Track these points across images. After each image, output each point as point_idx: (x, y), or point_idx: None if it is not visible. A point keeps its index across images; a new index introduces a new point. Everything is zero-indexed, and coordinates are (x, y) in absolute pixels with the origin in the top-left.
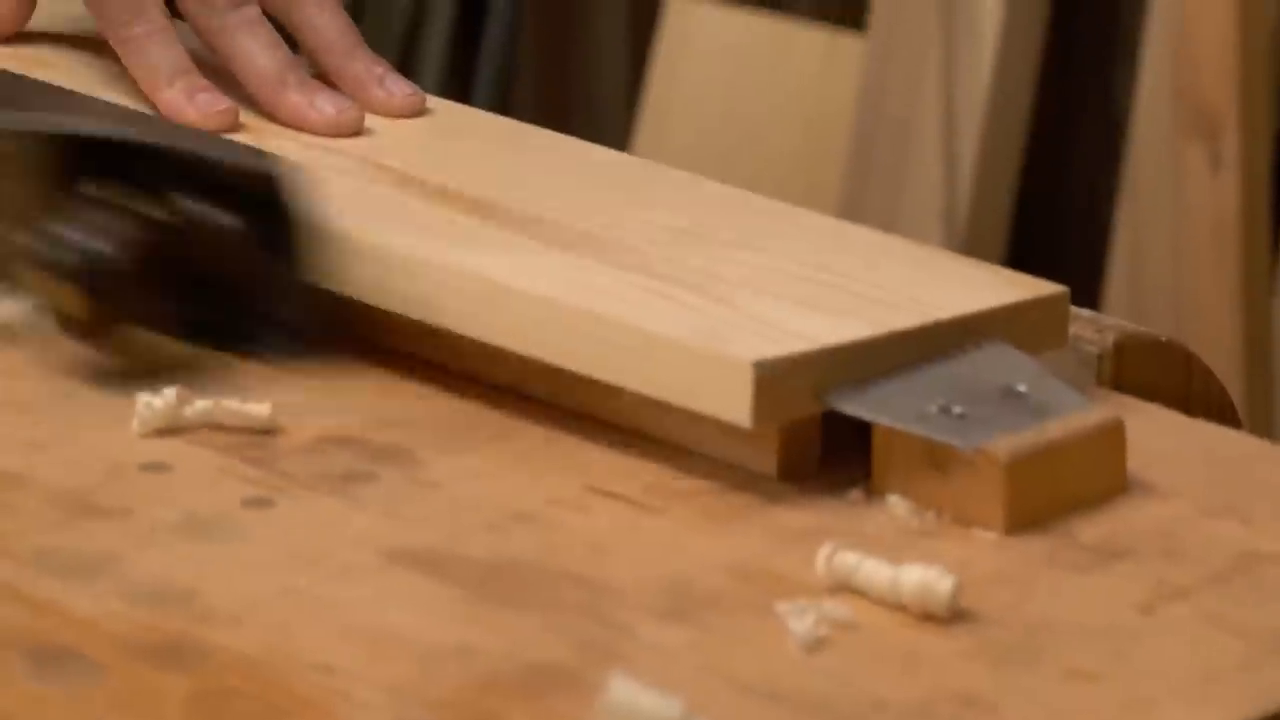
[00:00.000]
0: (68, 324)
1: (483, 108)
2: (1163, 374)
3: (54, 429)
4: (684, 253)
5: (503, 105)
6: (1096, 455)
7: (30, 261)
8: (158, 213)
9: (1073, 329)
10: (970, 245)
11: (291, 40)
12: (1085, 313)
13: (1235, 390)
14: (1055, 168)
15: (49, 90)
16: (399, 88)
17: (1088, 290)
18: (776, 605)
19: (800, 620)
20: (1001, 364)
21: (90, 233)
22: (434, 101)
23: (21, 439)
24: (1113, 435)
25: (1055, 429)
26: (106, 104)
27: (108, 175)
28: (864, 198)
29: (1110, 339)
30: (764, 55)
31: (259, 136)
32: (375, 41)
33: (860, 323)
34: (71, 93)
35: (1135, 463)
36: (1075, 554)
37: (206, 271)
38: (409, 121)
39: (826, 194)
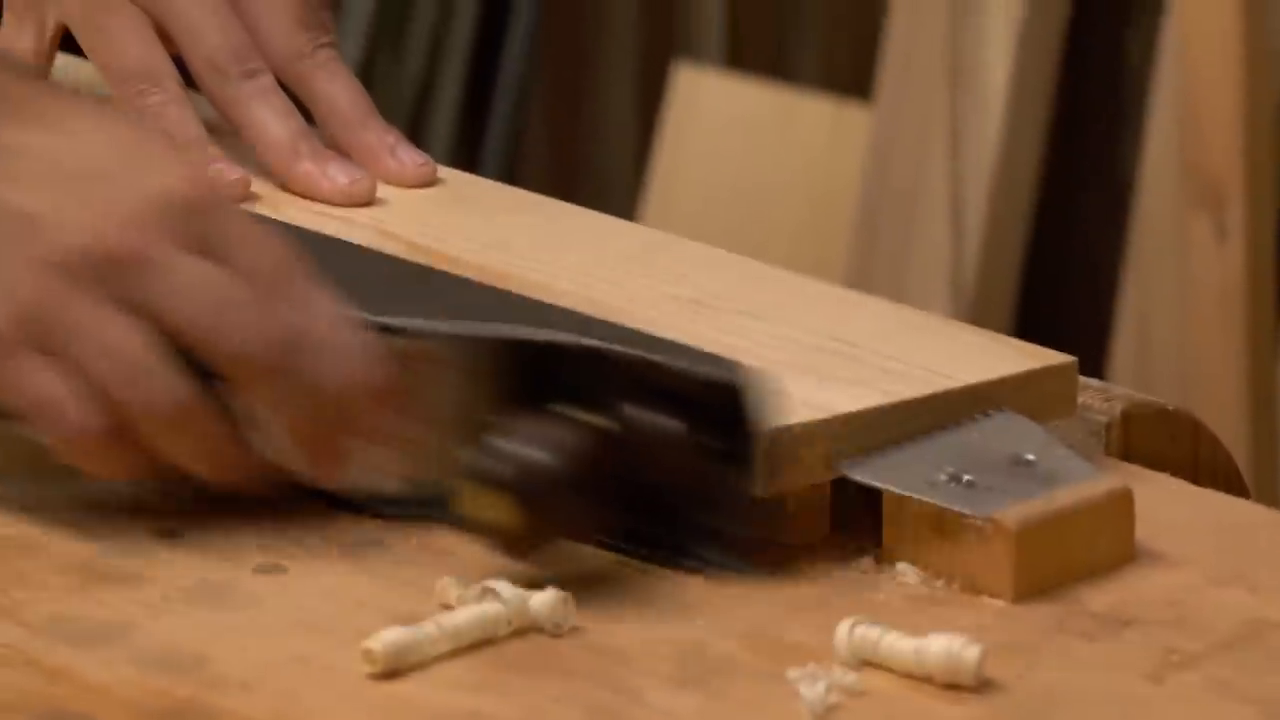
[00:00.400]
0: (496, 536)
1: (491, 176)
2: (1170, 443)
3: (66, 496)
4: (693, 322)
5: (511, 174)
6: (1105, 524)
7: (465, 473)
8: (601, 421)
9: (1081, 398)
10: (977, 314)
11: (305, 110)
12: (1094, 382)
13: (1241, 458)
14: (1062, 237)
15: (457, 283)
16: (411, 157)
17: (1094, 358)
18: (787, 672)
19: (811, 688)
20: (1011, 433)
21: (528, 441)
22: (444, 171)
23: (34, 505)
24: (1121, 504)
25: (1064, 498)
26: (535, 302)
27: (550, 382)
28: (871, 267)
29: (1118, 408)
30: (771, 126)
31: (273, 206)
32: (384, 110)
33: (870, 392)
34: (493, 289)
35: (1144, 531)
36: (1084, 622)
37: (647, 480)
38: (420, 191)
39: (834, 264)
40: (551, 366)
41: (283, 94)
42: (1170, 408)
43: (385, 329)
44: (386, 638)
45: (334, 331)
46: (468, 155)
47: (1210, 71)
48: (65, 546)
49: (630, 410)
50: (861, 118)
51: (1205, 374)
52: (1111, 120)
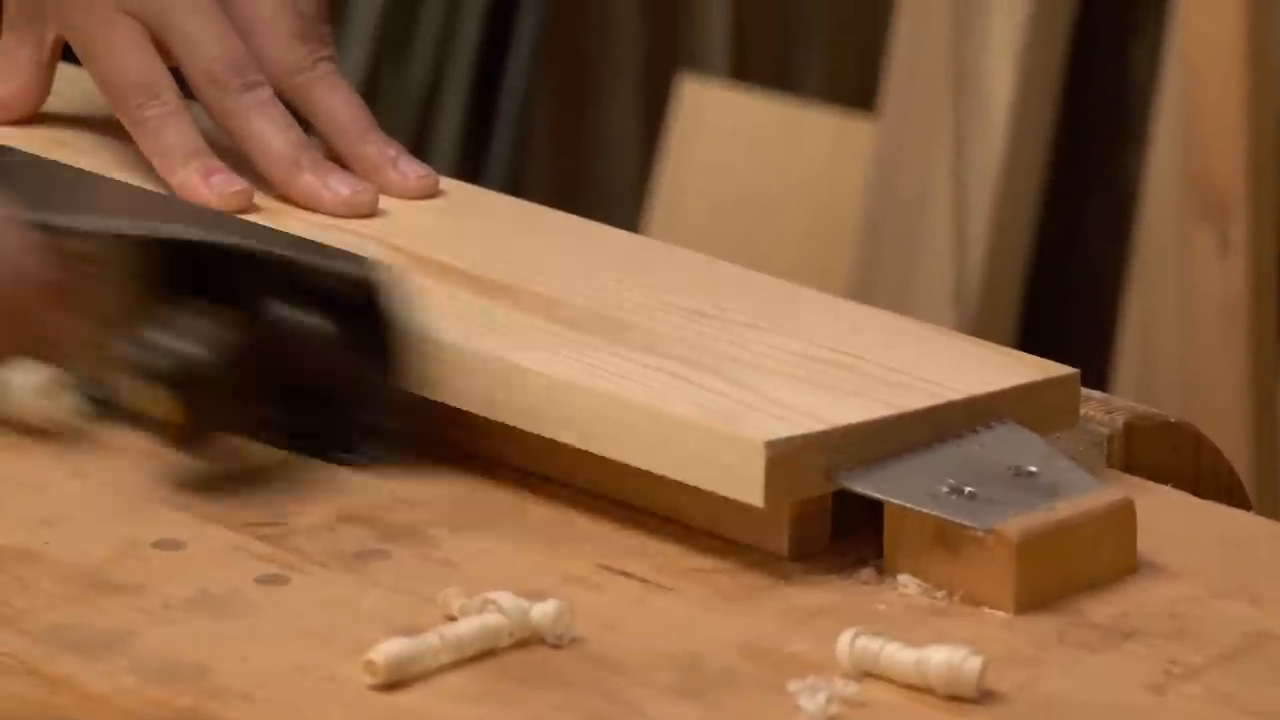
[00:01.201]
0: (161, 430)
1: (495, 187)
2: (1172, 455)
3: (67, 506)
4: (696, 334)
5: (515, 185)
6: (1107, 536)
7: (123, 368)
8: (251, 318)
9: (1083, 410)
10: (981, 326)
11: (305, 122)
12: (1096, 394)
13: (1244, 470)
14: (1065, 249)
15: (122, 188)
16: (412, 169)
17: (1097, 370)
18: (788, 684)
19: (812, 699)
20: (1012, 444)
21: (184, 338)
22: (447, 183)
23: (35, 516)
24: (1123, 516)
25: (1066, 509)
26: (193, 206)
27: (200, 280)
28: (875, 278)
29: (1120, 420)
30: (775, 137)
31: (274, 217)
32: (389, 120)
33: (872, 403)
34: (153, 193)
35: (1145, 543)
36: (1086, 634)
37: (301, 377)
38: (422, 203)
39: (837, 274)
40: (203, 265)
41: (282, 107)
42: (1172, 420)
43: (48, 228)
44: (388, 649)
45: (5, 233)
46: (472, 165)
47: (1214, 84)
48: (66, 555)
49: (276, 307)
50: (865, 129)
51: (1207, 386)
52: (1115, 132)
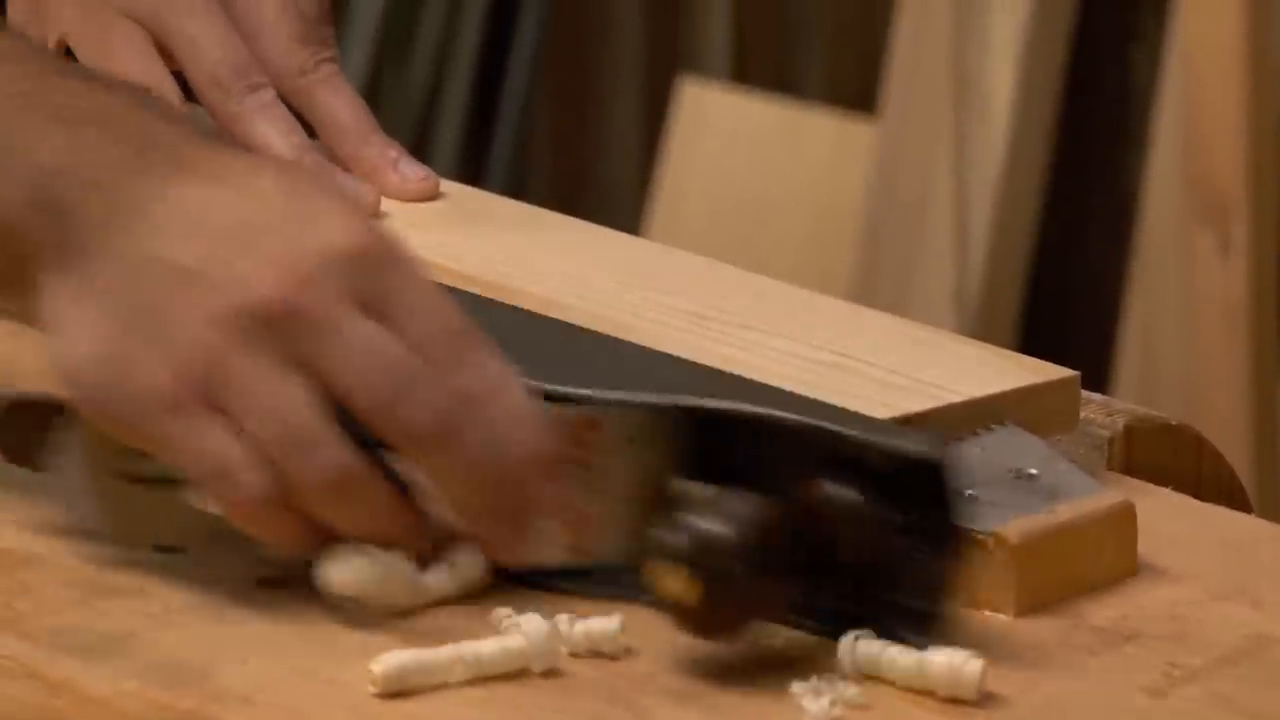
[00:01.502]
0: (679, 613)
1: (496, 189)
2: (1173, 457)
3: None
4: (697, 336)
5: (516, 187)
6: (1107, 538)
7: (648, 547)
8: (785, 495)
9: (1083, 412)
10: (982, 328)
11: (307, 124)
12: (1096, 396)
13: (1245, 473)
14: (1066, 252)
15: (624, 348)
16: (413, 171)
17: (1098, 373)
18: (791, 686)
19: (815, 702)
20: (1013, 447)
21: (706, 514)
22: (448, 185)
23: (36, 519)
24: (1123, 518)
25: (1066, 512)
26: (705, 370)
27: (736, 454)
28: (876, 281)
29: (1121, 423)
30: (776, 140)
31: None
32: (390, 122)
33: (872, 406)
34: (651, 351)
35: (1146, 546)
36: (1086, 636)
37: (840, 557)
38: (423, 205)
39: (838, 277)
40: (730, 436)
41: (284, 109)
42: (1173, 422)
43: (557, 398)
44: (390, 660)
45: (508, 402)
46: (473, 168)
47: (1215, 87)
48: (68, 559)
49: (814, 484)
50: (866, 132)
51: (1208, 388)
52: (1116, 134)
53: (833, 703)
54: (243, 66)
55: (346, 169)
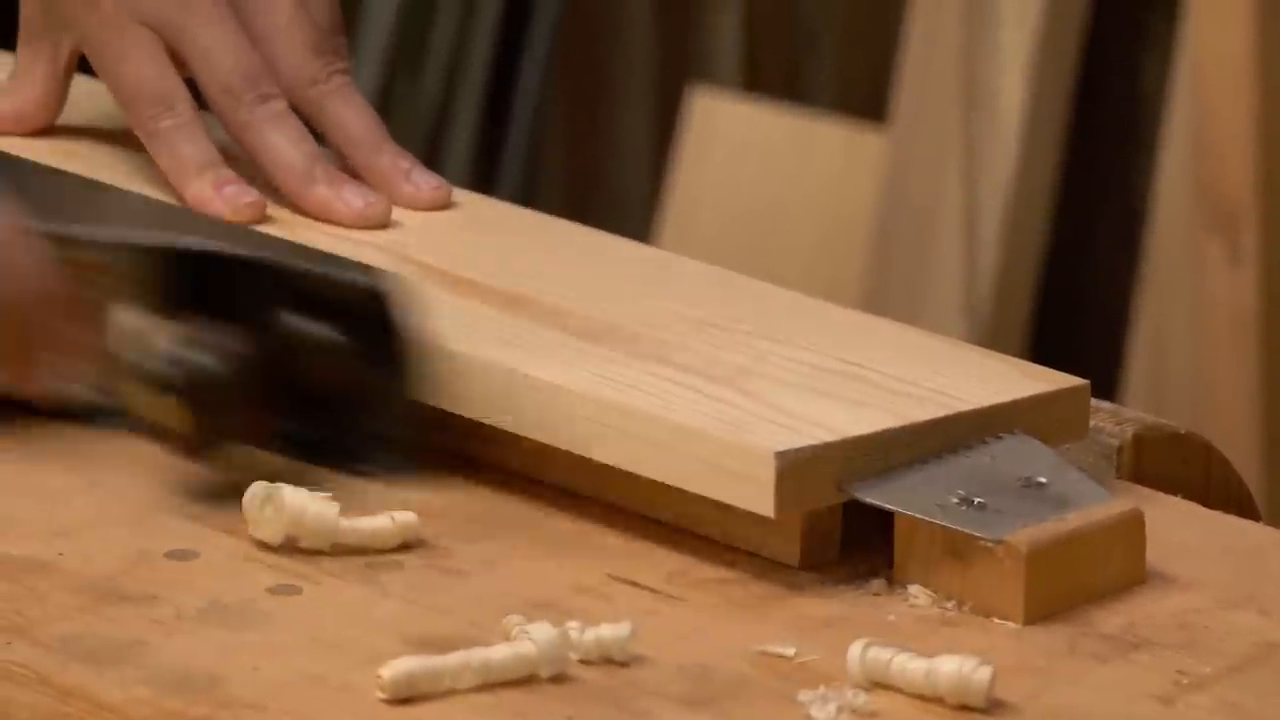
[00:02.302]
0: (171, 439)
1: (508, 198)
2: (1182, 466)
3: (80, 516)
4: (708, 344)
5: (528, 196)
6: (1116, 546)
7: (132, 376)
8: (262, 328)
9: (1093, 421)
10: (992, 336)
11: (318, 135)
12: (1105, 405)
13: (1254, 482)
14: (1076, 260)
15: (133, 199)
16: (425, 181)
17: (1108, 381)
18: (799, 694)
19: (822, 709)
20: (1022, 455)
21: (194, 348)
22: (460, 194)
23: (48, 527)
24: (1132, 526)
25: (1075, 520)
26: (206, 218)
27: (212, 291)
28: (886, 289)
29: (1130, 431)
30: (786, 149)
31: (287, 229)
32: (402, 135)
33: (882, 414)
34: (165, 204)
35: (1154, 554)
36: (1095, 644)
37: (311, 387)
38: (435, 215)
39: (849, 286)
40: (215, 276)
41: (296, 119)
42: (1182, 431)
43: (60, 239)
44: (399, 666)
45: (12, 244)
46: (485, 177)
47: (1225, 95)
48: (79, 566)
49: (287, 317)
50: (876, 141)
51: (1218, 396)
52: (1126, 143)
53: (840, 710)
54: (255, 76)
55: (359, 179)
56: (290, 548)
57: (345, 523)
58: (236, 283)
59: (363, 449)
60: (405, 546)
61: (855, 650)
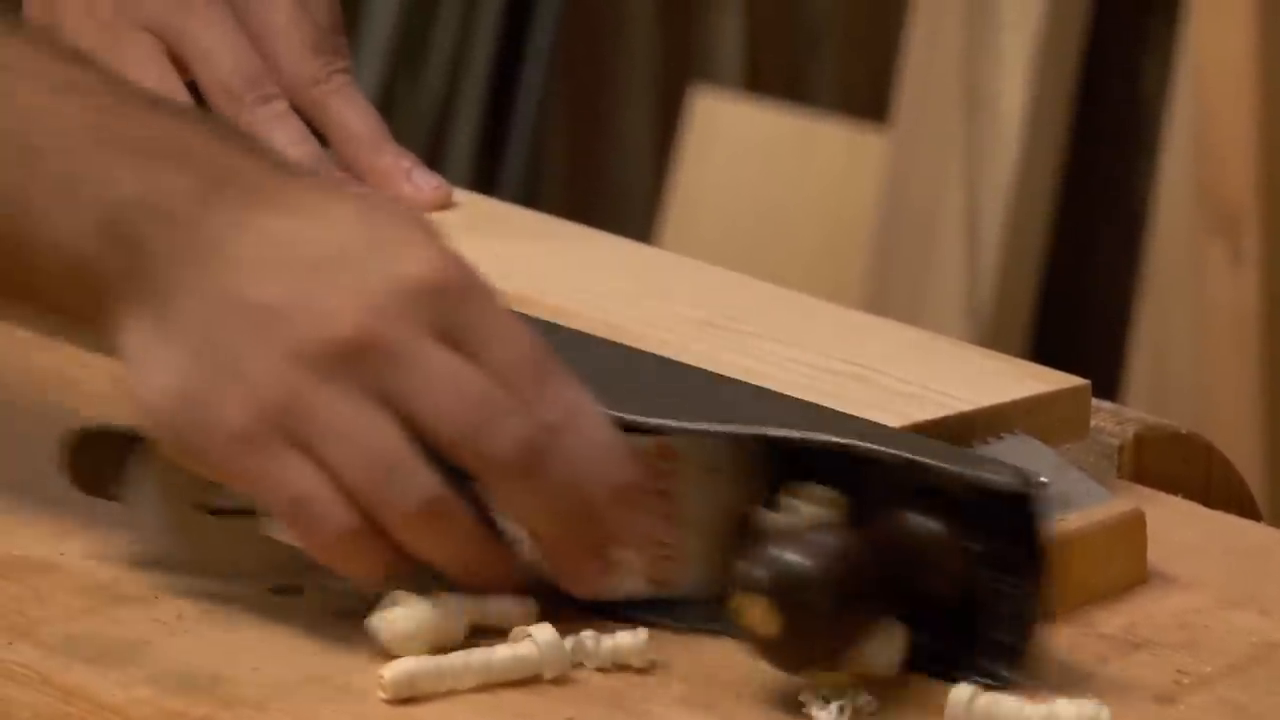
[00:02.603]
0: (759, 644)
1: (509, 199)
2: (1183, 466)
3: (82, 517)
4: (708, 344)
5: (529, 196)
6: (1117, 546)
7: (731, 578)
8: (868, 525)
9: (1094, 421)
10: (993, 337)
11: (319, 134)
12: (1106, 405)
13: (1254, 482)
14: (1078, 261)
15: (689, 373)
16: (426, 181)
17: (1109, 382)
18: (800, 694)
19: (826, 710)
20: (1023, 455)
21: (786, 545)
22: (461, 194)
23: (50, 527)
24: (1133, 526)
25: (1076, 520)
26: (784, 398)
27: (814, 479)
28: (888, 290)
29: (1131, 431)
30: (788, 150)
31: None
32: (403, 134)
33: (883, 414)
34: (722, 377)
35: (1155, 554)
36: (1096, 644)
37: (925, 591)
38: (437, 214)
39: (850, 287)
40: (810, 467)
41: (297, 119)
42: (1182, 431)
43: (634, 427)
44: (399, 666)
45: (589, 431)
46: (487, 177)
47: (1226, 97)
48: (81, 566)
49: (898, 515)
50: (878, 142)
51: (1219, 397)
52: (1127, 145)
53: (842, 710)
54: (255, 77)
55: (360, 179)
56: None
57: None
58: (843, 477)
59: (972, 656)
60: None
61: (960, 699)
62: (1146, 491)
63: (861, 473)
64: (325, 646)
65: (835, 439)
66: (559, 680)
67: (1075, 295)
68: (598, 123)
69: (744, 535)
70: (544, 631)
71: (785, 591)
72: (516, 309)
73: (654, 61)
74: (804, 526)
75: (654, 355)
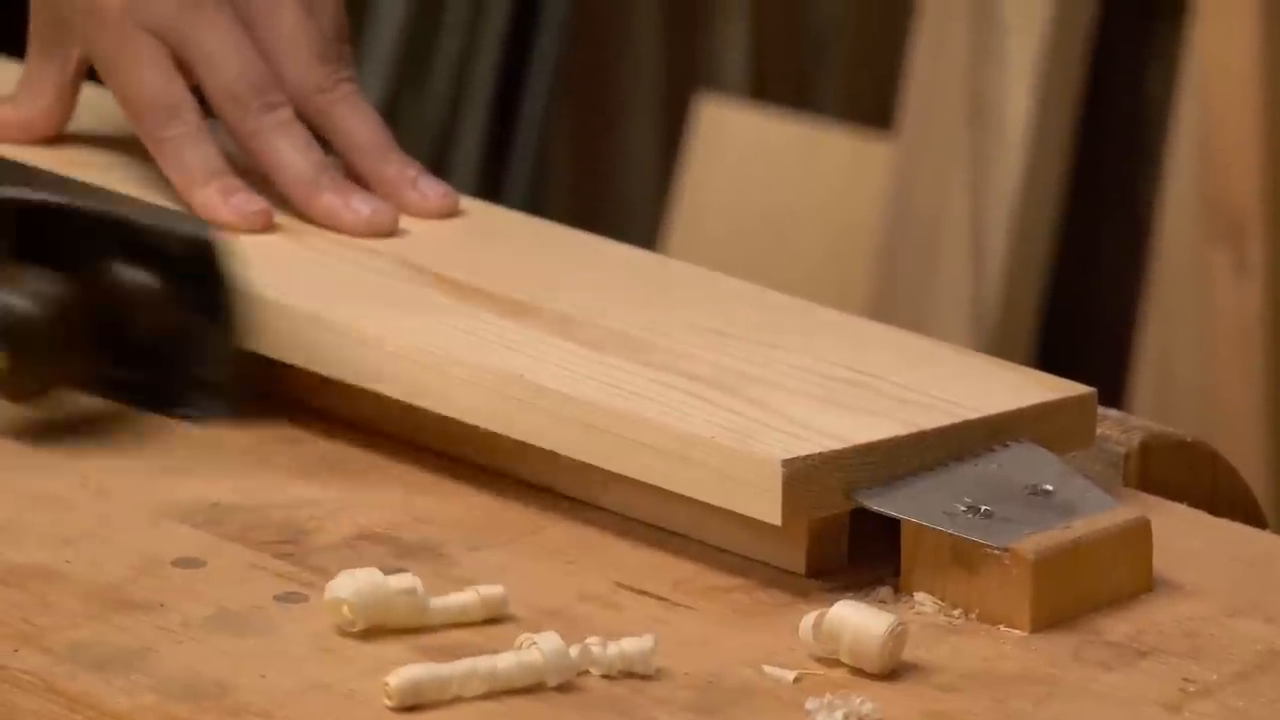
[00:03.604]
0: None
1: (515, 206)
2: (1188, 473)
3: (88, 525)
4: (714, 352)
5: (535, 204)
6: (1122, 554)
7: None
8: (81, 275)
9: (1100, 429)
10: (999, 345)
11: (325, 142)
12: (1112, 413)
13: (1260, 490)
14: (1083, 269)
15: None
16: (432, 189)
17: (1114, 390)
18: (805, 702)
19: (829, 716)
20: (1029, 463)
21: (11, 291)
22: (467, 202)
23: (56, 535)
24: (1139, 534)
25: (1082, 528)
26: (37, 169)
27: (34, 238)
28: (892, 298)
29: (1136, 439)
30: (793, 158)
31: (295, 236)
32: (408, 143)
33: (889, 422)
34: (6, 160)
35: (1161, 561)
36: (1101, 652)
37: (132, 332)
38: (442, 222)
39: (855, 294)
40: (36, 224)
41: (303, 127)
42: (1188, 439)
43: None
44: (405, 674)
45: None
46: (492, 185)
47: (1231, 105)
48: (87, 574)
49: (108, 265)
50: (883, 150)
51: (1224, 405)
52: (1132, 153)
53: (846, 717)
54: (261, 84)
55: (366, 186)
56: (299, 560)
57: (435, 602)
58: (61, 231)
59: (185, 393)
60: (492, 621)
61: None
62: (1152, 499)
63: (75, 229)
64: (331, 654)
65: (48, 197)
66: (564, 687)
67: (1080, 303)
68: (603, 130)
69: None
70: (549, 639)
71: (11, 332)
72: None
73: (659, 69)
74: (23, 274)
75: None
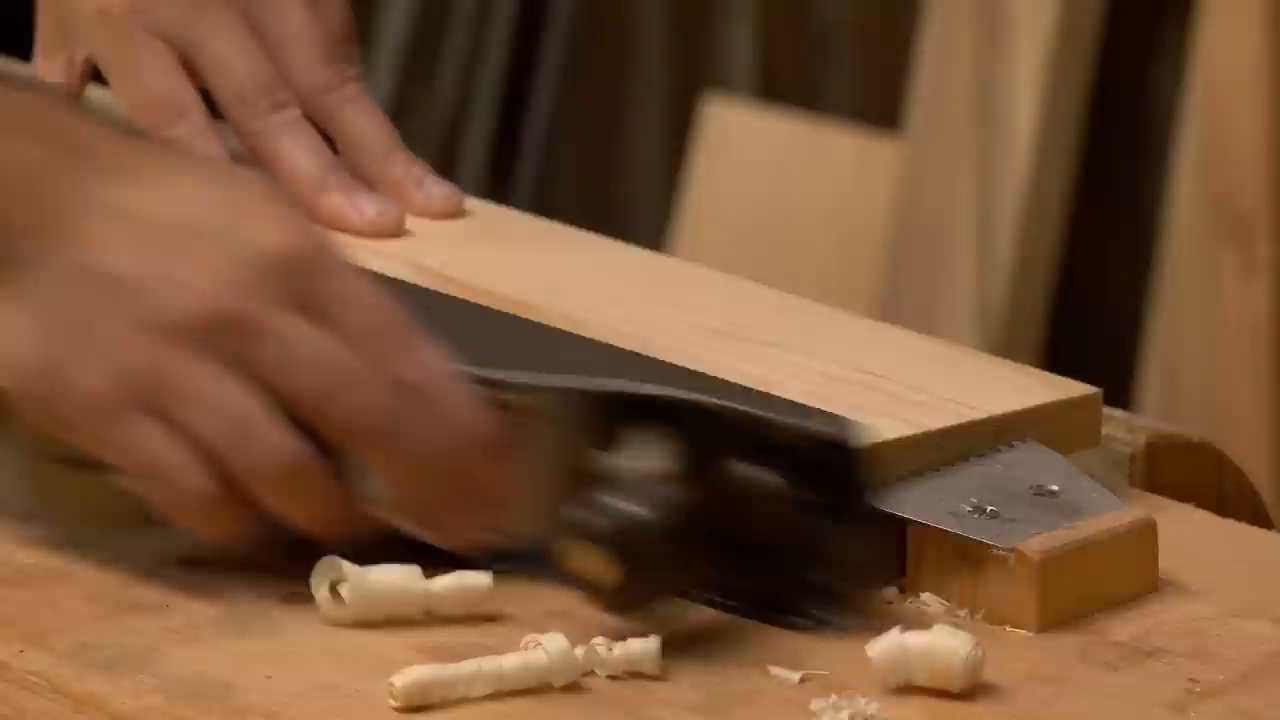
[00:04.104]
0: (596, 592)
1: (522, 207)
2: (1194, 474)
3: (94, 525)
4: (721, 354)
5: (542, 205)
6: (1129, 555)
7: (566, 527)
8: (703, 476)
9: (1106, 429)
10: (1005, 345)
11: (331, 142)
12: (1118, 413)
13: (1266, 490)
14: (1090, 270)
15: (549, 333)
16: (438, 189)
17: (1121, 390)
18: (811, 703)
19: (834, 717)
20: (1035, 464)
21: (626, 496)
22: (473, 203)
23: (62, 535)
24: (1145, 535)
25: (1088, 528)
26: (633, 354)
27: (654, 436)
28: (900, 299)
29: (1143, 439)
30: (801, 159)
31: None
32: (415, 143)
33: (895, 422)
34: (582, 338)
35: (1167, 562)
36: (1107, 652)
37: (753, 538)
38: (449, 223)
39: (862, 295)
40: (654, 420)
41: (310, 127)
42: (1195, 439)
43: (489, 383)
44: (411, 674)
45: (445, 389)
46: (498, 186)
47: (1237, 106)
48: (93, 575)
49: (731, 465)
50: (890, 150)
51: (1231, 405)
52: (1139, 153)
53: (851, 718)
54: (268, 84)
55: (372, 187)
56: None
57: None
58: (680, 429)
59: (797, 600)
60: (490, 619)
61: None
62: (1158, 500)
63: (695, 425)
64: (336, 654)
65: (668, 391)
66: (570, 688)
67: (1087, 303)
68: (610, 130)
69: (579, 483)
70: (555, 640)
71: (624, 541)
72: (373, 276)
73: (666, 69)
74: (640, 475)
75: (510, 315)
